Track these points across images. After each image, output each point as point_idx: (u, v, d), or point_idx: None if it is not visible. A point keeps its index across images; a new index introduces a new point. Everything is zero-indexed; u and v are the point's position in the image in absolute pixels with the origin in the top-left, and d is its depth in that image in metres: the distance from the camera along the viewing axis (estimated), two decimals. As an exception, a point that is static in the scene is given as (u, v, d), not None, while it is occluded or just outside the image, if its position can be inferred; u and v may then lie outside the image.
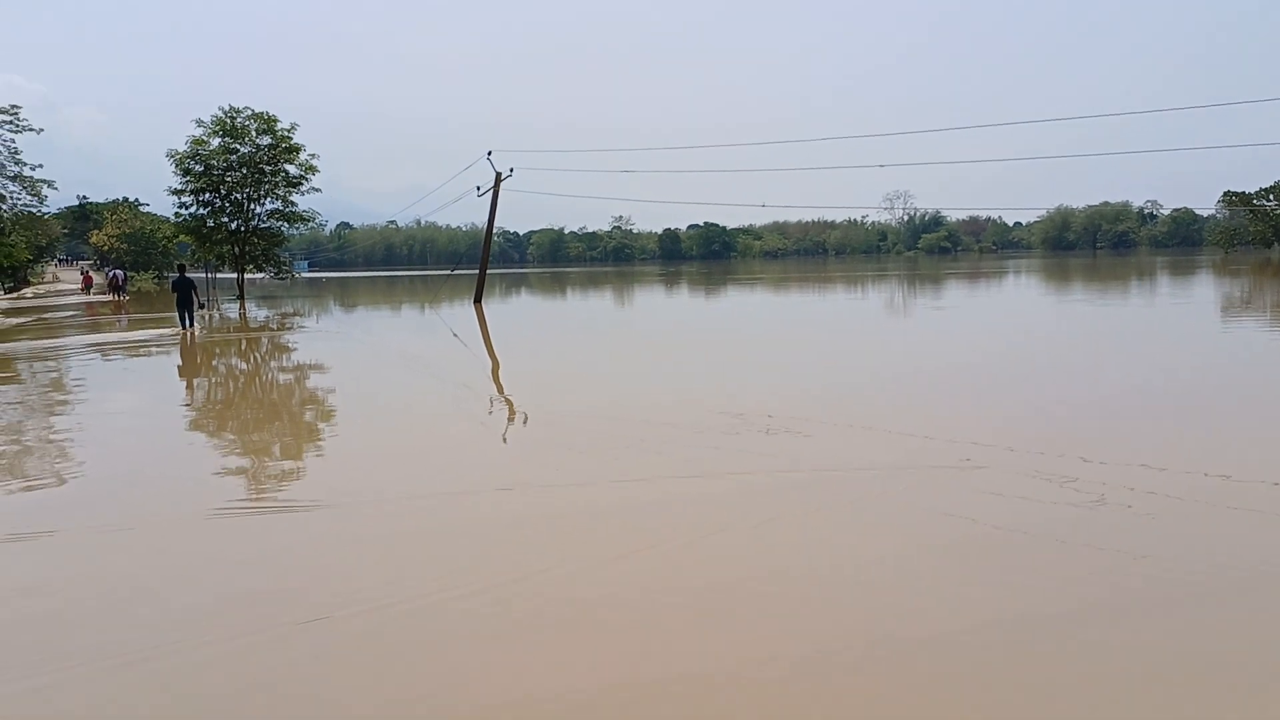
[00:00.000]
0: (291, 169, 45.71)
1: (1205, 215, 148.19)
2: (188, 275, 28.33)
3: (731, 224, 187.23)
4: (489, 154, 39.31)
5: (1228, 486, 7.71)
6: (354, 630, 5.26)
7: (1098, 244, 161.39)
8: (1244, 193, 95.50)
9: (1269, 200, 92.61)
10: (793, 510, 7.41)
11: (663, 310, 38.60)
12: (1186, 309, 29.22)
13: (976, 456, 8.93)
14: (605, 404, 12.87)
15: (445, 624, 5.37)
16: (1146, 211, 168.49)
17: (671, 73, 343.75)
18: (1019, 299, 38.07)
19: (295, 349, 23.22)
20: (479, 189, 40.32)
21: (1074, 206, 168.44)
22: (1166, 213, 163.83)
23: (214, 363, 20.57)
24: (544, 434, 11.21)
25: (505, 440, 11.05)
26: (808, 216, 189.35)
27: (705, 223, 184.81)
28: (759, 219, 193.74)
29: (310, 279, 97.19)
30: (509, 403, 13.93)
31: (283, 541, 6.97)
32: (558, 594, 5.72)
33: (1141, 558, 6.12)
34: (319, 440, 11.37)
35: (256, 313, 39.39)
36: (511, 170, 39.59)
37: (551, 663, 4.81)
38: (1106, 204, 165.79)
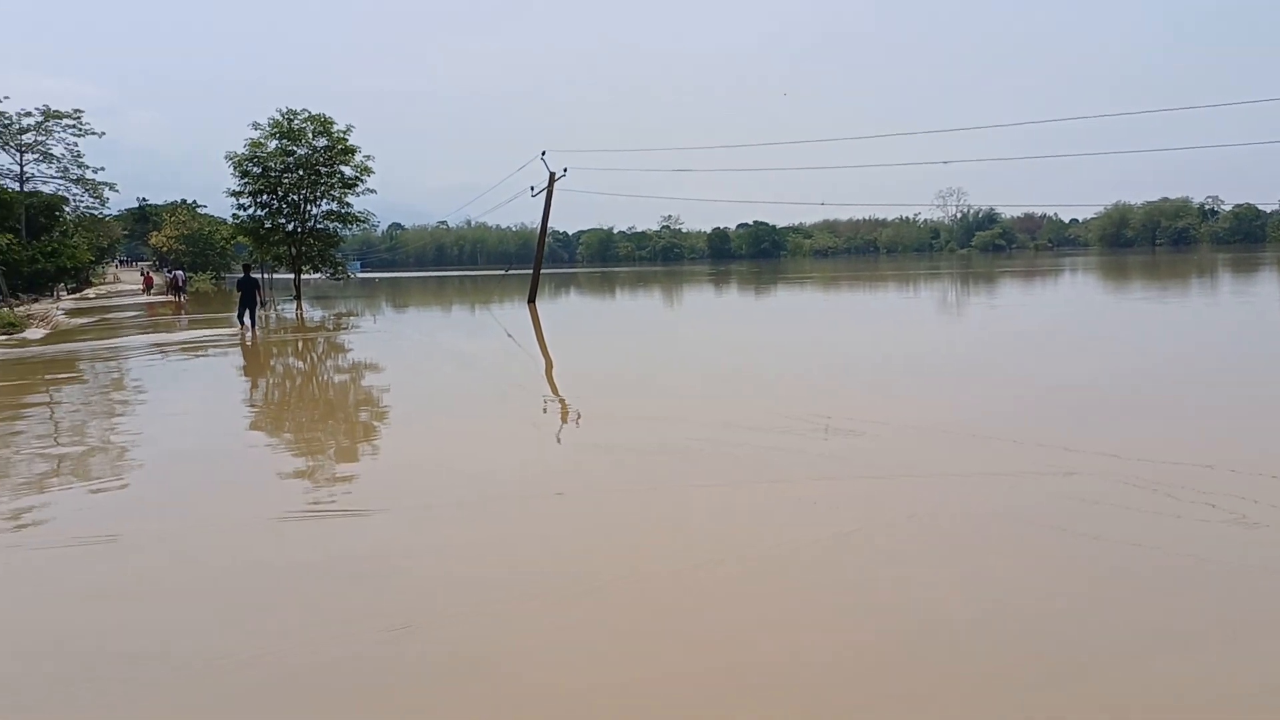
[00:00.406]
0: (347, 170, 46.12)
1: (1269, 211, 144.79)
2: (252, 275, 28.64)
3: (782, 223, 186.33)
4: (543, 154, 39.32)
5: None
6: (442, 638, 5.10)
7: (1156, 241, 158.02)
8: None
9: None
10: (884, 520, 7.10)
11: (718, 310, 38.31)
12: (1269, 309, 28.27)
13: (1076, 465, 8.49)
14: (669, 405, 12.67)
15: (535, 638, 5.10)
16: (1207, 208, 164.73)
17: (724, 69, 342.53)
18: (1083, 298, 37.15)
19: (352, 349, 23.29)
20: (533, 189, 40.37)
21: (1132, 203, 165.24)
22: (1228, 209, 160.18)
23: (273, 363, 20.68)
24: (606, 435, 10.99)
25: (560, 441, 10.87)
26: (864, 214, 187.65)
27: (755, 221, 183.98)
28: (808, 218, 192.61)
29: (363, 279, 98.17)
30: (567, 404, 13.77)
31: (349, 547, 6.82)
32: (634, 603, 5.50)
33: None
34: (378, 442, 11.27)
35: (312, 313, 39.77)
36: (565, 170, 39.60)
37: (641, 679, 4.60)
38: (1166, 200, 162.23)
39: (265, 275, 60.37)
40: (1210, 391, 13.03)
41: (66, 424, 12.47)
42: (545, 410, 13.28)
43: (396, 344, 24.98)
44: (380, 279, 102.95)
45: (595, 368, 18.71)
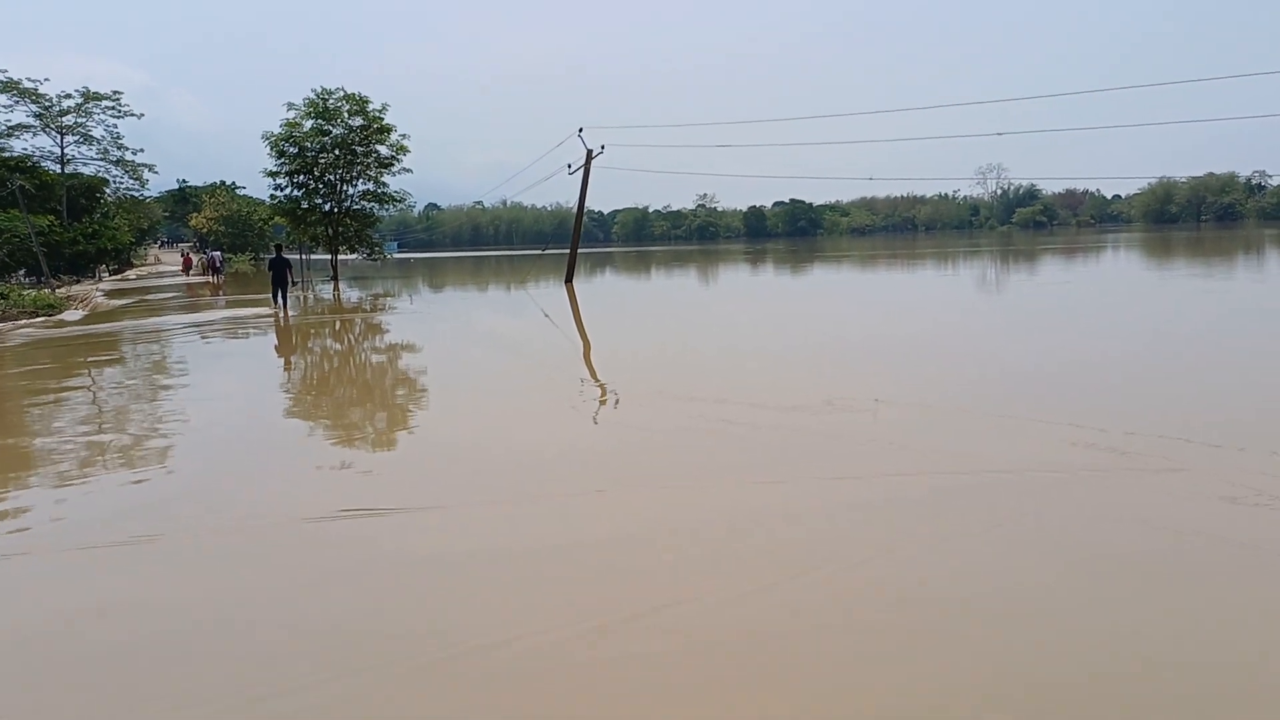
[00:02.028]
0: (383, 150, 45.98)
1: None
2: (283, 255, 28.98)
3: (819, 200, 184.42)
4: (580, 131, 38.97)
5: None
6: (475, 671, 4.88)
7: (1202, 217, 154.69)
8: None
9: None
10: (958, 526, 6.80)
11: (754, 290, 37.88)
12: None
13: (1174, 455, 8.10)
14: (718, 392, 12.35)
15: (572, 670, 4.75)
16: (1254, 182, 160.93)
17: (766, 44, 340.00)
18: (1139, 277, 36.31)
19: (389, 330, 23.23)
20: (570, 167, 40.04)
21: (1177, 178, 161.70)
22: (1276, 183, 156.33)
23: (310, 344, 20.64)
24: (653, 426, 10.73)
25: (615, 434, 10.64)
26: (904, 190, 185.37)
27: (791, 200, 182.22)
28: (845, 195, 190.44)
29: (400, 259, 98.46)
30: (607, 390, 13.52)
31: (384, 555, 6.62)
32: (698, 630, 5.16)
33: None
34: (415, 433, 11.07)
35: (349, 293, 39.86)
36: (603, 148, 39.20)
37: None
38: (1211, 175, 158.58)
39: (302, 256, 60.68)
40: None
41: (101, 409, 12.44)
42: (584, 394, 13.07)
43: (434, 325, 24.88)
44: (417, 259, 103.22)
45: (635, 349, 18.47)
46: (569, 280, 39.48)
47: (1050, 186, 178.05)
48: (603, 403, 12.05)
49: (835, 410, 10.46)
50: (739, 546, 6.18)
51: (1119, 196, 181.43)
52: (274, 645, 4.95)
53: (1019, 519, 6.50)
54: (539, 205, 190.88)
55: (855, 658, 4.60)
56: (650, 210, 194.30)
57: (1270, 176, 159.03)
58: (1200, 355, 14.32)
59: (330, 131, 44.79)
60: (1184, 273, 35.01)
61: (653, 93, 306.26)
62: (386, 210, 49.82)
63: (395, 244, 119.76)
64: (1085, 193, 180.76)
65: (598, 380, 14.21)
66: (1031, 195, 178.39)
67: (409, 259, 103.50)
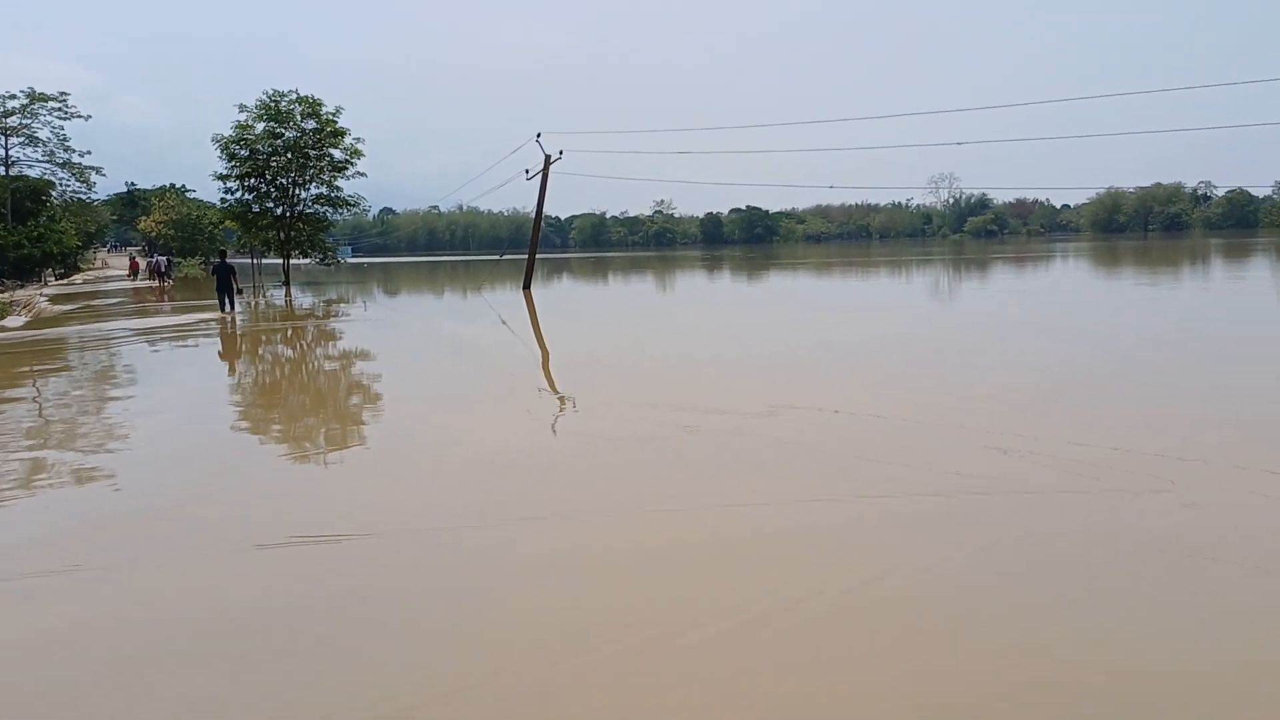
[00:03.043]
0: (336, 153, 45.47)
1: (1261, 196, 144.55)
2: (228, 261, 28.81)
3: (775, 208, 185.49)
4: (538, 136, 38.69)
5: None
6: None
7: (1149, 226, 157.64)
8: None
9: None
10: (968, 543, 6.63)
11: (711, 296, 37.81)
12: None
13: (1164, 472, 7.91)
14: (687, 404, 12.13)
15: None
16: (1200, 193, 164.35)
17: (720, 52, 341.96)
18: (1091, 286, 36.73)
19: (342, 337, 22.79)
20: (528, 172, 39.74)
21: (1124, 188, 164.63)
22: (1221, 193, 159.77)
23: (260, 352, 20.14)
24: (616, 442, 10.48)
25: (570, 450, 10.40)
26: (859, 199, 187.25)
27: (747, 206, 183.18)
28: (801, 203, 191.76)
29: (354, 264, 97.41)
30: (567, 399, 13.27)
31: (335, 588, 6.32)
32: (679, 668, 4.94)
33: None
34: (369, 449, 10.74)
35: (302, 299, 39.20)
36: (561, 153, 38.95)
37: None
38: (1159, 185, 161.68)
39: (254, 260, 59.72)
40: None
41: (31, 423, 11.98)
42: (542, 402, 12.80)
43: (389, 332, 24.45)
44: (371, 264, 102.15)
45: (594, 356, 18.22)
46: (527, 287, 39.15)
47: (1001, 196, 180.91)
48: (561, 413, 11.80)
49: (792, 419, 10.30)
50: (720, 571, 5.97)
51: (1068, 206, 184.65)
52: (221, 688, 4.66)
53: (998, 539, 6.36)
54: (496, 210, 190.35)
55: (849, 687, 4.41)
56: (608, 216, 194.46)
57: (1215, 187, 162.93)
58: (1160, 365, 14.36)
59: (282, 134, 44.20)
60: (1132, 281, 35.48)
61: (611, 98, 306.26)
62: (340, 214, 49.30)
63: (349, 248, 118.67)
64: (1035, 202, 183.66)
65: (556, 390, 13.95)
66: (983, 204, 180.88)
67: (363, 263, 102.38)
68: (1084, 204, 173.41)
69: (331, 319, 28.55)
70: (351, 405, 13.16)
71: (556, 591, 5.62)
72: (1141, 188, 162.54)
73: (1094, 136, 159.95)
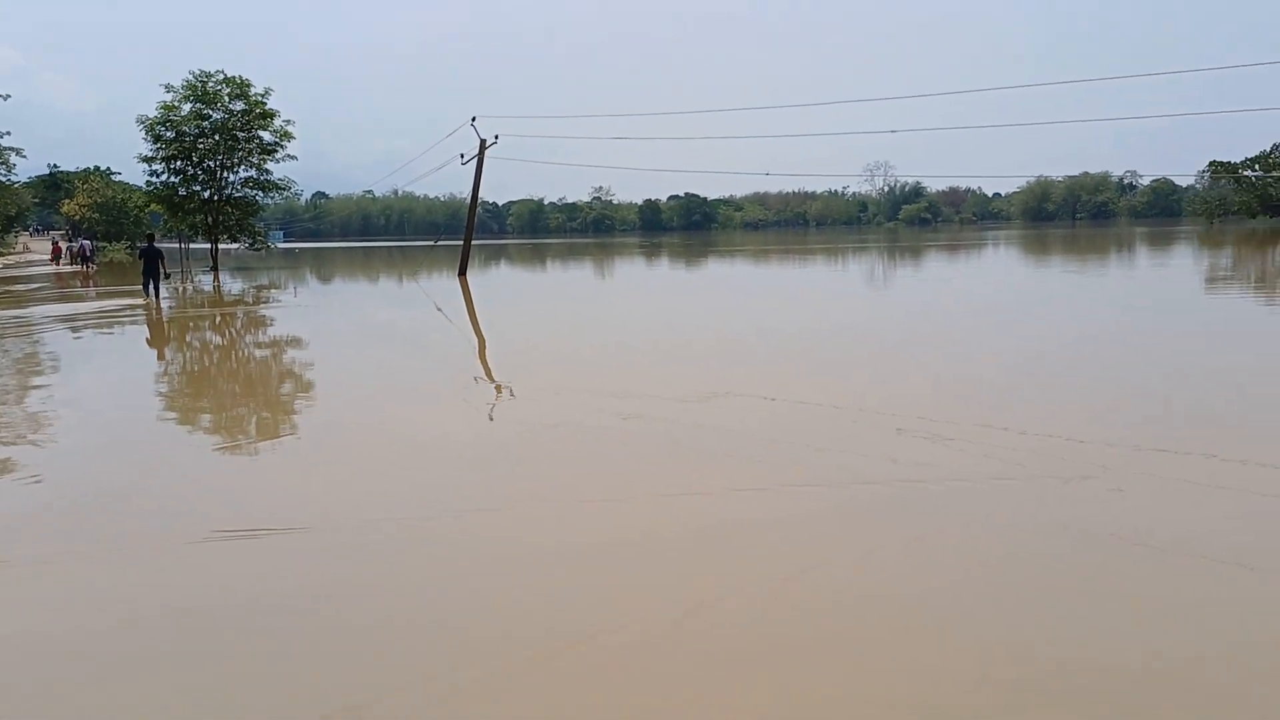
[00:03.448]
0: (266, 135, 44.39)
1: (1185, 185, 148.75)
2: (155, 245, 27.96)
3: (713, 195, 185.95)
4: (473, 120, 38.17)
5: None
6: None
7: (1077, 215, 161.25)
8: (1230, 163, 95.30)
9: (1254, 170, 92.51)
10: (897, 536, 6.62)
11: (649, 283, 37.79)
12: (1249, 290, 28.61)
13: (1093, 458, 8.07)
14: (625, 392, 12.02)
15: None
16: (1126, 182, 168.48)
17: (658, 39, 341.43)
18: (1025, 274, 37.40)
19: (273, 324, 22.27)
20: (463, 156, 39.15)
21: (1054, 177, 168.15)
22: (1146, 183, 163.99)
23: (187, 339, 19.60)
24: (558, 431, 10.33)
25: (506, 439, 10.25)
26: (799, 186, 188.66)
27: (686, 193, 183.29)
28: (739, 190, 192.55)
29: (285, 249, 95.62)
30: (503, 390, 13.10)
31: (261, 588, 6.11)
32: (615, 662, 4.82)
33: None
34: (301, 439, 10.47)
35: (231, 285, 38.30)
36: (497, 137, 38.46)
37: None
38: (1086, 174, 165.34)
39: (182, 245, 58.25)
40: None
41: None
42: (480, 390, 12.61)
43: (321, 319, 23.98)
44: (303, 249, 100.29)
45: (530, 342, 18.05)
46: (463, 273, 38.69)
47: (934, 184, 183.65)
48: (498, 401, 11.64)
49: (730, 406, 10.28)
50: (654, 565, 5.89)
51: (999, 195, 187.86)
52: (160, 687, 4.46)
53: (935, 528, 6.37)
54: (431, 195, 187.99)
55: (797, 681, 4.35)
56: (545, 202, 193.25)
57: (1141, 176, 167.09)
58: (1087, 353, 14.61)
59: (210, 116, 43.02)
60: (1061, 270, 36.22)
61: (548, 84, 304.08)
62: (270, 198, 48.22)
63: (280, 233, 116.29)
64: (967, 190, 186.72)
65: (493, 378, 13.76)
66: (917, 193, 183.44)
67: (295, 249, 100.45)
68: (1014, 192, 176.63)
69: (262, 305, 27.92)
70: (284, 394, 12.85)
71: (481, 588, 5.48)
72: (1070, 177, 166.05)
73: (1024, 125, 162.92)
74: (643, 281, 38.44)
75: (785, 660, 4.49)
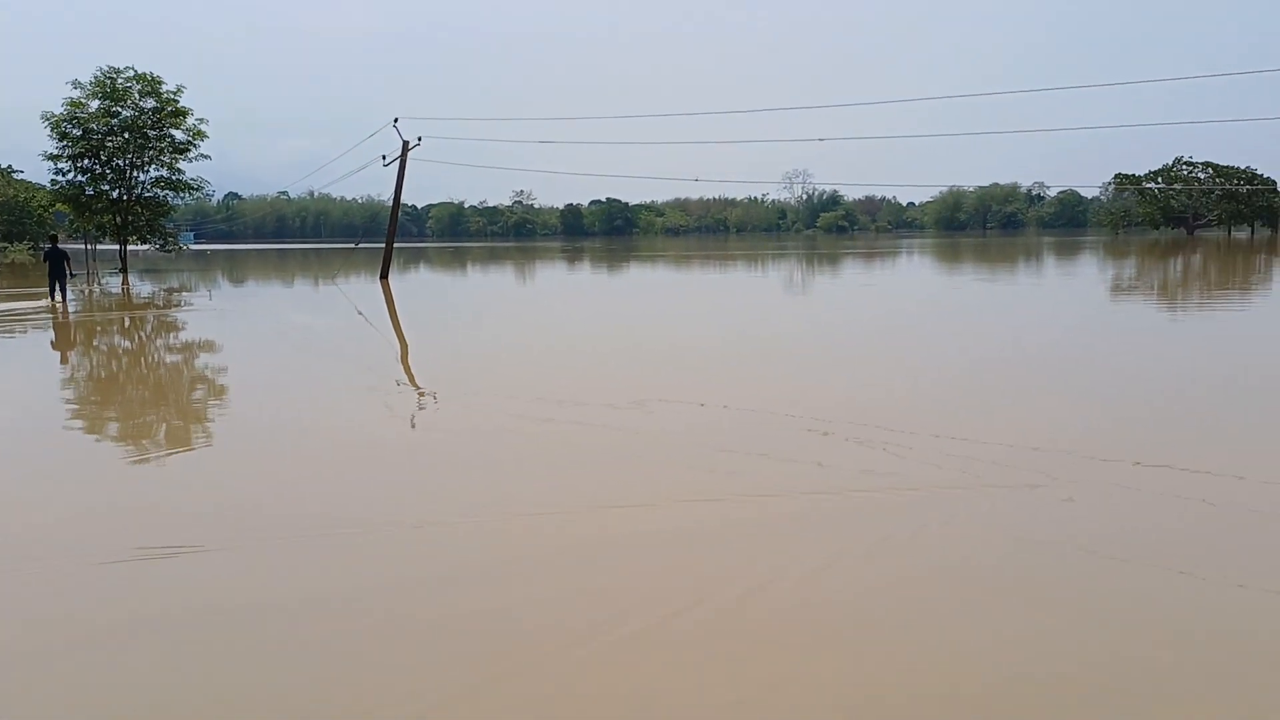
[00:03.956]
0: (178, 134, 43.34)
1: (1090, 197, 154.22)
2: (59, 246, 27.23)
3: (635, 200, 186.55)
4: (395, 121, 37.70)
5: None
6: None
7: (988, 224, 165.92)
8: (1134, 175, 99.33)
9: (1157, 183, 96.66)
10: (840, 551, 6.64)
11: (572, 287, 37.70)
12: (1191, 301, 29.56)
13: (1043, 467, 8.25)
14: (552, 398, 11.93)
15: None
16: (1034, 193, 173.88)
17: (581, 42, 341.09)
18: (941, 282, 38.22)
19: (185, 328, 21.61)
20: (384, 158, 38.61)
21: (965, 187, 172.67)
22: (1053, 194, 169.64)
23: (95, 344, 18.93)
24: (485, 439, 10.22)
25: (429, 447, 10.10)
26: (720, 193, 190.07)
27: (608, 198, 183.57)
28: (661, 195, 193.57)
29: (197, 251, 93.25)
30: (426, 395, 12.92)
31: (180, 607, 5.93)
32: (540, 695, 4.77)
33: None
34: (215, 449, 10.18)
35: (140, 287, 37.13)
36: (420, 139, 38.06)
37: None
38: (996, 185, 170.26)
39: (89, 246, 56.34)
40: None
41: None
42: (402, 397, 12.42)
43: (236, 323, 23.36)
44: (215, 251, 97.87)
45: (454, 347, 17.87)
46: (384, 276, 38.13)
47: (851, 193, 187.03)
48: (421, 407, 11.46)
49: (661, 412, 10.28)
50: (598, 576, 5.85)
51: (913, 204, 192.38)
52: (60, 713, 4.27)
53: (885, 537, 6.44)
54: (350, 197, 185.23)
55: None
56: (466, 205, 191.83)
57: (1048, 188, 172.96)
58: (1014, 360, 14.98)
59: (119, 113, 41.81)
60: (982, 277, 37.16)
61: (472, 89, 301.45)
62: (182, 199, 47.13)
63: (192, 235, 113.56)
64: (883, 199, 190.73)
65: (416, 384, 13.57)
66: (834, 201, 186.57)
67: (206, 250, 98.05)
68: (928, 202, 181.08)
69: (173, 308, 27.10)
70: (196, 401, 12.48)
71: (388, 612, 5.31)
72: (981, 187, 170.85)
73: (938, 136, 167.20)
74: (567, 286, 38.35)
75: (731, 672, 4.50)
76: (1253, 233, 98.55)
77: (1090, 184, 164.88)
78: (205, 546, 6.20)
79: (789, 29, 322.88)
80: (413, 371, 14.82)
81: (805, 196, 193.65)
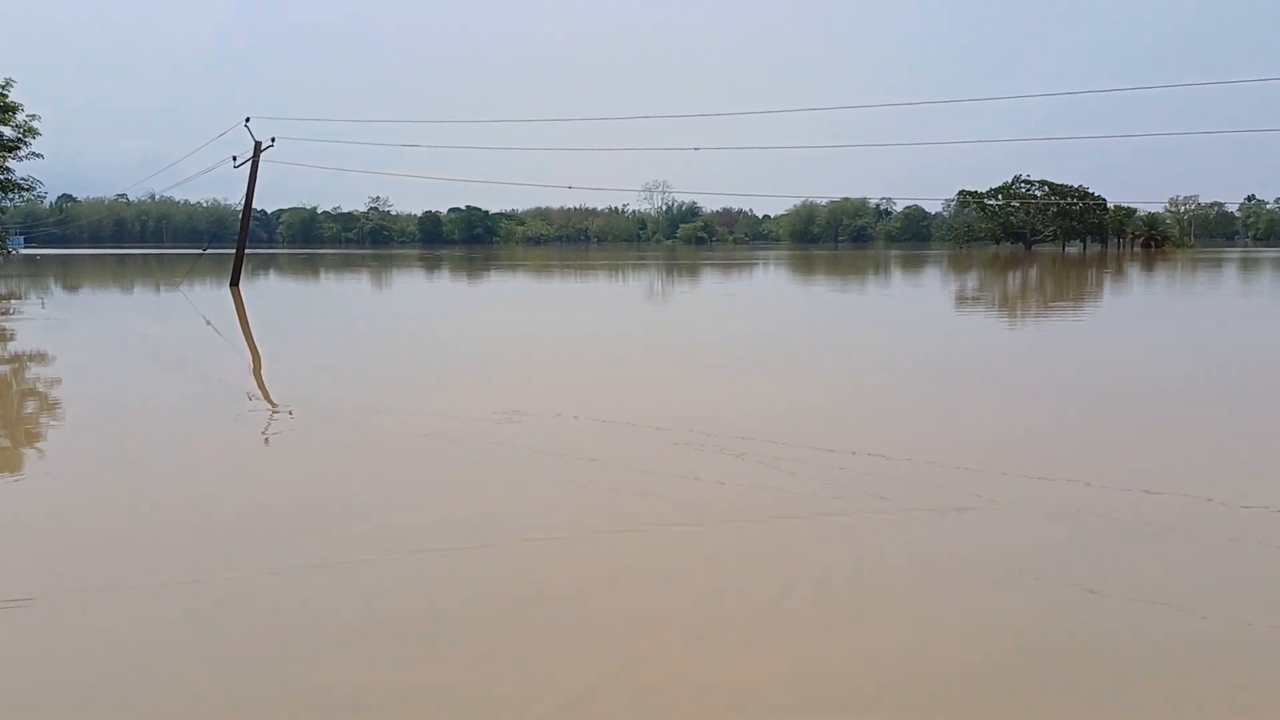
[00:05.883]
0: (6, 131, 40.78)
1: (934, 213, 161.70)
2: None
3: (494, 208, 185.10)
4: (247, 121, 36.34)
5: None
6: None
7: (839, 237, 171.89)
8: (976, 192, 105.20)
9: (998, 199, 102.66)
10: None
11: (431, 297, 37.12)
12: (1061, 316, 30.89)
13: (972, 489, 8.43)
14: (416, 410, 11.70)
15: None
16: (882, 208, 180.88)
17: (447, 45, 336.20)
18: (800, 292, 39.19)
19: (13, 339, 20.28)
20: (235, 159, 37.14)
21: (818, 201, 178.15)
22: (899, 209, 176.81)
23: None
24: (343, 458, 9.94)
25: (283, 465, 9.77)
26: (581, 202, 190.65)
27: (468, 206, 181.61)
28: (523, 204, 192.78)
29: (27, 255, 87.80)
30: (280, 410, 12.48)
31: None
32: None
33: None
34: (41, 480, 9.63)
35: (-37, 294, 34.69)
36: (273, 140, 36.78)
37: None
38: (847, 199, 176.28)
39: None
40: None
41: None
42: (255, 412, 11.95)
43: (70, 333, 22.05)
44: (48, 255, 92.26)
45: (310, 359, 17.32)
46: (235, 284, 36.67)
47: (709, 204, 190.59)
48: (274, 422, 11.06)
49: (531, 426, 10.22)
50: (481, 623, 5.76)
51: (769, 216, 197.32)
52: None
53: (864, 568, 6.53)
54: (193, 201, 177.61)
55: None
56: (319, 210, 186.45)
57: (895, 203, 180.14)
58: (907, 374, 15.49)
59: (-61, 108, 39.04)
60: (846, 289, 38.38)
61: (330, 82, 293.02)
62: (11, 200, 44.39)
63: (21, 238, 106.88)
64: (740, 212, 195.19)
65: (270, 398, 13.09)
66: (693, 212, 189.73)
67: (37, 255, 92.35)
68: (783, 215, 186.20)
69: (2, 316, 25.41)
70: (26, 419, 11.72)
71: (225, 651, 5.12)
72: (832, 201, 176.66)
73: (796, 149, 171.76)
74: (425, 296, 37.70)
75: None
76: (1084, 248, 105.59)
77: (935, 198, 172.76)
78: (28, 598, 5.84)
79: (665, 33, 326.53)
80: (266, 386, 14.29)
81: (665, 208, 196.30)
